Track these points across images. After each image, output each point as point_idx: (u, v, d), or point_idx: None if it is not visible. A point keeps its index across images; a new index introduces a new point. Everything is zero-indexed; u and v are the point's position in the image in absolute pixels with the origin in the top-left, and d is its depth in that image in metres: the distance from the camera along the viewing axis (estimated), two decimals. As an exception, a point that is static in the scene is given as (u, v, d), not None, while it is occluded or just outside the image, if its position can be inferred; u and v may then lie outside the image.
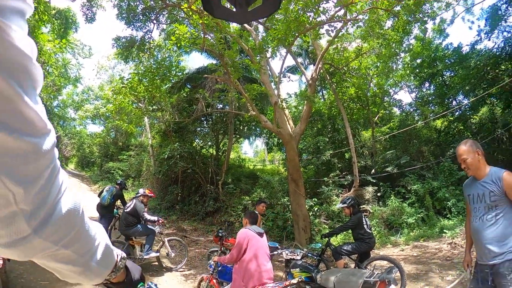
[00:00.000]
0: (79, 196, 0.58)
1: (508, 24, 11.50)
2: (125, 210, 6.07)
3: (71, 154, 30.95)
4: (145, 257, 5.87)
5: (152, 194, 6.57)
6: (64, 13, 19.43)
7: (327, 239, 5.67)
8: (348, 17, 7.90)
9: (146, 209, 7.50)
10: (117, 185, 7.51)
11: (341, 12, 7.82)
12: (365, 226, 5.22)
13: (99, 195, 7.22)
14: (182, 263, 6.65)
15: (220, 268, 4.20)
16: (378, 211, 10.69)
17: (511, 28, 11.45)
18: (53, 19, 11.66)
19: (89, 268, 0.61)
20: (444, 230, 8.88)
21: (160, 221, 6.25)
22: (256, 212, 3.85)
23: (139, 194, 6.31)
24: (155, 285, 1.05)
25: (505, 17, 11.50)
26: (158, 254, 6.16)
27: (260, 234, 3.55)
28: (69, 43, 19.82)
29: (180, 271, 6.57)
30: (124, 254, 0.78)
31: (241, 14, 0.48)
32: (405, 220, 10.07)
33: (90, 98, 28.76)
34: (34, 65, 0.40)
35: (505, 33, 11.63)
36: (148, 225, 6.14)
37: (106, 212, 7.00)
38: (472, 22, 24.36)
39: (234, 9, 0.47)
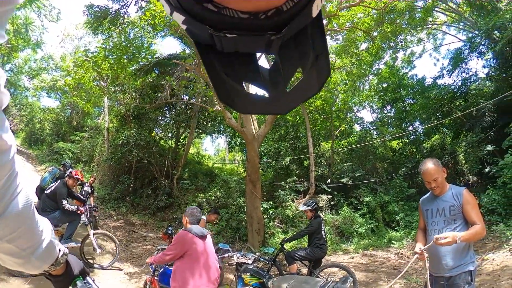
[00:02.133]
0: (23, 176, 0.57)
1: (468, 67, 12.73)
2: (45, 192, 5.21)
3: (18, 128, 27.67)
4: (63, 246, 5.00)
5: (79, 176, 5.57)
6: None
7: (281, 244, 5.63)
8: (329, 29, 8.02)
9: (87, 195, 6.69)
10: (62, 167, 6.79)
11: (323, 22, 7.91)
12: (322, 231, 5.25)
13: None
14: (112, 261, 5.87)
15: (161, 270, 3.79)
16: (331, 219, 11.07)
17: (469, 71, 12.70)
18: None
19: (29, 261, 0.66)
20: (392, 241, 9.51)
21: (79, 211, 5.34)
22: (199, 210, 3.34)
23: (65, 175, 5.44)
24: (93, 280, 1.01)
25: (466, 60, 12.69)
26: (78, 244, 5.35)
27: (203, 237, 3.05)
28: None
29: (119, 270, 6.06)
30: (66, 250, 0.83)
31: (280, 99, 0.31)
32: (356, 229, 10.56)
33: (49, 67, 25.83)
34: (1, 92, 0.44)
35: (463, 74, 12.84)
36: (70, 212, 5.25)
37: None
38: (437, 60, 27.51)
39: (267, 95, 0.32)
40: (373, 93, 16.82)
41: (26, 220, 0.58)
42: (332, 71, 12.38)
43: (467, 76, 12.67)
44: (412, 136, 15.13)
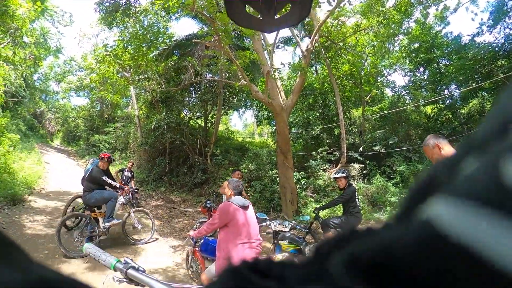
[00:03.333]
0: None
1: (512, 22, 11.17)
2: (84, 177, 5.66)
3: (56, 130, 30.01)
4: (105, 224, 5.42)
5: (107, 156, 5.91)
6: None
7: (315, 212, 5.70)
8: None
9: (119, 175, 7.17)
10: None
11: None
12: (356, 200, 5.23)
13: None
14: (149, 236, 6.30)
15: (201, 241, 3.95)
16: (363, 188, 10.87)
17: (514, 26, 11.13)
18: None
19: None
20: None
21: (123, 190, 5.88)
22: (241, 183, 3.41)
23: (97, 160, 5.89)
24: (131, 259, 1.05)
25: (510, 13, 11.21)
26: (119, 221, 5.69)
27: (245, 208, 3.18)
28: (46, 9, 18.46)
29: (168, 243, 6.56)
30: None
31: (268, 22, 0.44)
32: (389, 198, 10.26)
33: (73, 69, 27.19)
34: None
35: (507, 30, 11.37)
36: (106, 191, 5.69)
37: None
38: (476, 14, 24.21)
39: (260, 17, 0.45)
40: (404, 55, 15.43)
41: None
42: (358, 32, 11.76)
43: (512, 32, 11.15)
44: (448, 101, 13.98)
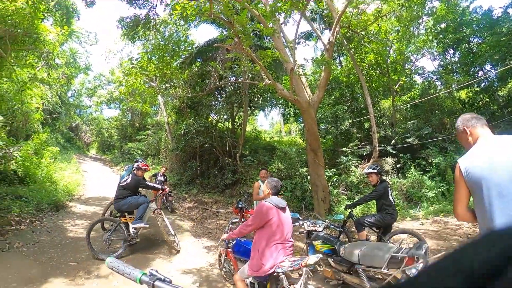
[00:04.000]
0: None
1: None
2: (120, 184, 5.72)
3: (91, 140, 32.58)
4: (134, 226, 5.48)
5: (147, 166, 6.11)
6: (63, 2, 19.46)
7: (349, 210, 5.54)
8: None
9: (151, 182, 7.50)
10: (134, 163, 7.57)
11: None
12: (390, 196, 5.00)
13: None
14: (175, 242, 6.11)
15: (234, 242, 3.94)
16: (397, 183, 10.39)
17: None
18: (53, 10, 11.62)
19: None
20: None
21: (163, 191, 6.17)
22: (280, 182, 3.34)
23: (133, 168, 5.98)
24: (156, 271, 1.04)
25: None
26: (147, 226, 5.72)
27: (283, 209, 3.14)
28: (73, 32, 20.06)
29: (202, 243, 6.69)
30: None
31: None
32: (425, 193, 9.73)
33: (103, 83, 29.06)
34: None
35: None
36: (140, 197, 5.81)
37: None
38: None
39: None
40: (430, 37, 14.35)
41: None
42: (379, 19, 11.29)
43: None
44: (484, 83, 12.79)
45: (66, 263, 4.98)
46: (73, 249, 5.60)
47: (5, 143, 9.44)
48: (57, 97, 21.73)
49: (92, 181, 14.20)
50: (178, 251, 5.87)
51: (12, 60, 8.15)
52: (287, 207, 3.26)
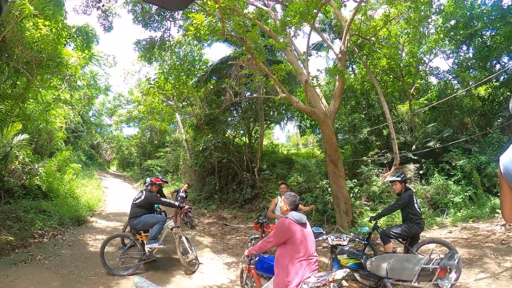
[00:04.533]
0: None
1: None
2: (134, 202, 5.65)
3: (111, 158, 33.89)
4: (148, 246, 5.37)
5: (161, 181, 6.09)
6: (83, 29, 20.86)
7: (373, 221, 5.36)
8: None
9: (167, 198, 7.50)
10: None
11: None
12: (415, 205, 4.82)
13: None
14: (195, 264, 5.86)
15: (256, 258, 3.87)
16: (421, 190, 9.96)
17: None
18: (75, 36, 12.44)
19: None
20: (497, 210, 8.02)
21: (181, 208, 5.88)
22: (298, 197, 3.28)
23: (146, 184, 5.93)
24: (144, 280, 1.02)
25: None
26: (161, 246, 5.63)
27: (304, 225, 3.07)
28: (93, 55, 21.38)
29: (222, 260, 6.62)
30: None
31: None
32: (451, 199, 9.28)
33: (122, 103, 30.48)
34: None
35: None
36: (155, 215, 5.79)
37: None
38: None
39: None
40: (441, 36, 13.86)
41: None
42: (388, 23, 11.22)
43: None
44: (503, 76, 12.10)
45: (87, 277, 5.04)
46: (94, 263, 5.65)
47: (30, 159, 9.89)
48: (79, 116, 22.73)
49: (113, 197, 14.57)
50: (193, 272, 5.65)
51: (37, 83, 8.72)
52: (307, 223, 3.20)
